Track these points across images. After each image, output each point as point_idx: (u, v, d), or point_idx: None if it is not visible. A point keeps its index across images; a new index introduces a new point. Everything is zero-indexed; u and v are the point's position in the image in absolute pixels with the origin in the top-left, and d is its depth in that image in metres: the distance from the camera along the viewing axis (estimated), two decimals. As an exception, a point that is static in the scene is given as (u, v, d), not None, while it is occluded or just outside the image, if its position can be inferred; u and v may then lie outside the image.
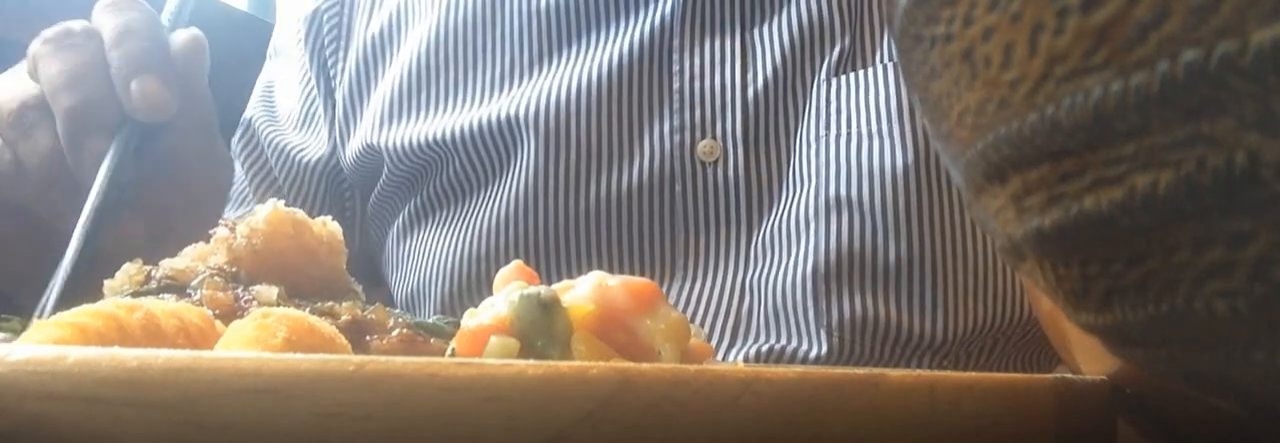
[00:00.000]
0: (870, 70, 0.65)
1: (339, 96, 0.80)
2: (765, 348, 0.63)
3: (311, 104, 0.82)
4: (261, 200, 0.76)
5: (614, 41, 0.69)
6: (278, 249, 0.41)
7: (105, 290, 0.41)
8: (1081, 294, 0.21)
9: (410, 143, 0.72)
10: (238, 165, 0.81)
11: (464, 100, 0.73)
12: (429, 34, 0.76)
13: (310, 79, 0.82)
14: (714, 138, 0.66)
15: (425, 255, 0.73)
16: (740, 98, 0.66)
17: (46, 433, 0.21)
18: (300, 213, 0.42)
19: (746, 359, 0.63)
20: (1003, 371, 0.66)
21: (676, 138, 0.67)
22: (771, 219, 0.65)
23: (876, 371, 0.25)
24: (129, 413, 0.21)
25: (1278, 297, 0.17)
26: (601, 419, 0.22)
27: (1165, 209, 0.18)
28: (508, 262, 0.66)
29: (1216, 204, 0.17)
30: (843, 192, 0.63)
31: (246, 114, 0.84)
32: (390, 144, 0.73)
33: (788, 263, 0.63)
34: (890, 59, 0.65)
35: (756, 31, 0.68)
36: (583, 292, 0.32)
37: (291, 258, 0.41)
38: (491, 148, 0.70)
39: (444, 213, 0.73)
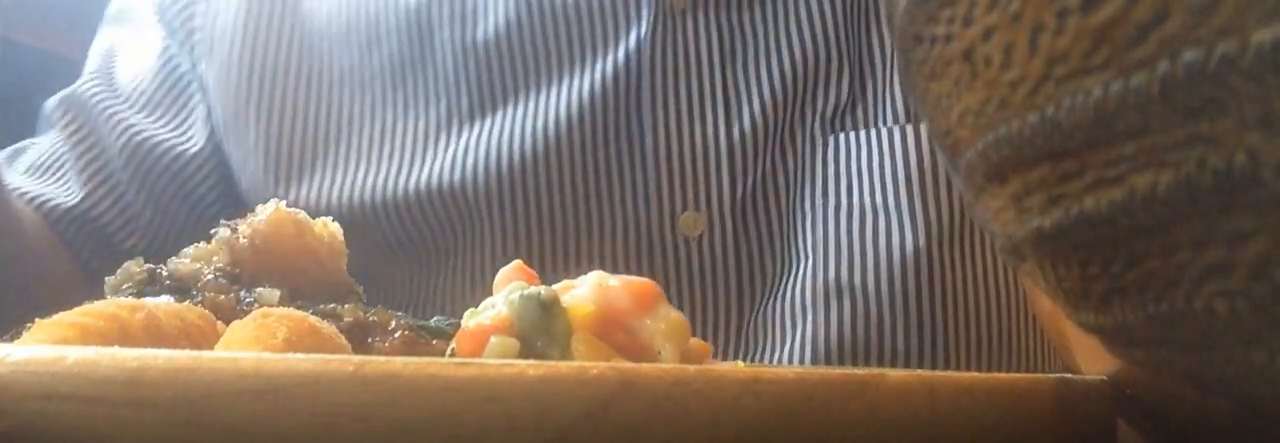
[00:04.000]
0: (874, 132, 0.57)
1: (214, 102, 0.66)
2: None
3: (179, 89, 0.68)
4: (86, 181, 0.64)
5: (572, 85, 0.58)
6: (279, 249, 0.41)
7: (106, 289, 0.41)
8: (1081, 294, 0.21)
9: (322, 202, 0.61)
10: (56, 132, 0.67)
11: (388, 159, 0.60)
12: (342, 73, 0.63)
13: (178, 61, 0.68)
14: (697, 209, 0.57)
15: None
16: (727, 158, 0.56)
17: (46, 433, 0.21)
18: (302, 213, 0.42)
19: None
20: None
21: (655, 209, 0.57)
22: (765, 301, 0.57)
23: (876, 371, 0.25)
24: (129, 413, 0.21)
25: (1278, 297, 0.17)
26: (601, 419, 0.22)
27: (1165, 209, 0.18)
28: None
29: (1216, 204, 0.17)
30: (845, 276, 0.55)
31: (78, 85, 0.69)
32: (295, 197, 0.62)
33: (782, 352, 0.56)
34: (896, 121, 0.56)
35: (738, 70, 0.58)
36: (583, 292, 0.32)
37: (293, 258, 0.41)
38: (425, 220, 0.58)
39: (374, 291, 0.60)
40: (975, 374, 0.25)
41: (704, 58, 0.58)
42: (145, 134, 0.66)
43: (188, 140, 0.66)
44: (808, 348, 0.55)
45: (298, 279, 0.41)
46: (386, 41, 0.62)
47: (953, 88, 0.21)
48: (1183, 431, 0.28)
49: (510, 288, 0.33)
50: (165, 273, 0.41)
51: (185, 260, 0.42)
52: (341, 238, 0.43)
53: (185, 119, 0.67)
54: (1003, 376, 0.25)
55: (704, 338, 0.55)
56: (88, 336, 0.29)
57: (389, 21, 0.63)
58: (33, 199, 0.64)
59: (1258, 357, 0.18)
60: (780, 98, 0.57)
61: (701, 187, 0.56)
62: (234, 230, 0.42)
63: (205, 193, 0.67)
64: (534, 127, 0.57)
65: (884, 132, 0.56)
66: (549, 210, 0.57)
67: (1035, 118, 0.19)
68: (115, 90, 0.68)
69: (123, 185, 0.66)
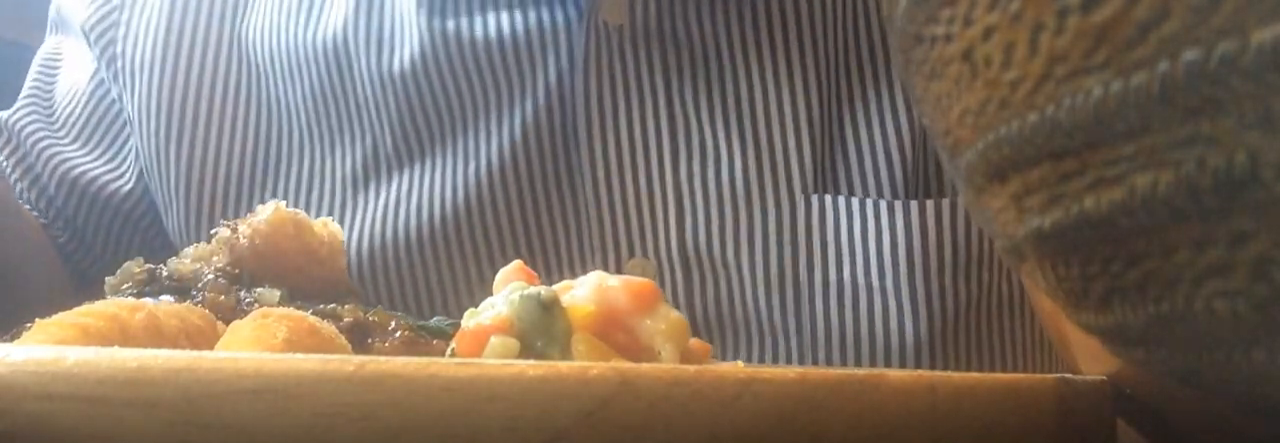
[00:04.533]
0: (868, 201, 0.50)
1: (137, 134, 0.59)
2: None
3: (109, 120, 0.62)
4: (34, 207, 0.60)
5: (501, 122, 0.51)
6: (280, 250, 0.41)
7: (106, 289, 0.41)
8: (1081, 294, 0.21)
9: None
10: (21, 193, 0.62)
11: (314, 208, 0.55)
12: (265, 107, 0.56)
13: (107, 87, 0.61)
14: (645, 254, 0.50)
15: None
16: (673, 197, 0.49)
17: (46, 433, 0.21)
18: (302, 213, 0.42)
19: None
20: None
21: (597, 256, 0.50)
22: None
23: (876, 371, 0.25)
24: (129, 413, 0.21)
25: (1278, 297, 0.17)
26: (601, 419, 0.22)
27: (1165, 209, 0.18)
28: None
29: (1216, 204, 0.17)
30: (835, 363, 0.49)
31: (14, 109, 0.63)
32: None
33: None
34: (890, 195, 0.49)
35: (687, 96, 0.50)
36: (582, 292, 0.32)
37: (293, 258, 0.41)
38: (366, 272, 0.52)
39: None
40: (975, 374, 0.25)
41: (645, 82, 0.51)
42: (80, 169, 0.61)
43: (121, 178, 0.61)
44: None
45: (298, 279, 0.41)
46: (307, 71, 0.56)
47: (953, 88, 0.21)
48: (1183, 431, 0.28)
49: (510, 288, 0.33)
50: (165, 273, 0.41)
51: (185, 260, 0.42)
52: (341, 238, 0.43)
53: (118, 152, 0.62)
54: (1003, 376, 0.25)
55: None
56: (88, 336, 0.29)
57: (310, 49, 0.57)
58: None
59: (1258, 357, 0.18)
60: (734, 126, 0.49)
61: (646, 230, 0.50)
62: (234, 230, 0.42)
63: (147, 227, 0.62)
64: (464, 172, 0.51)
65: (874, 203, 0.50)
66: (488, 263, 0.51)
67: (1035, 118, 0.19)
68: (51, 115, 0.63)
69: (69, 211, 0.62)
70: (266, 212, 0.41)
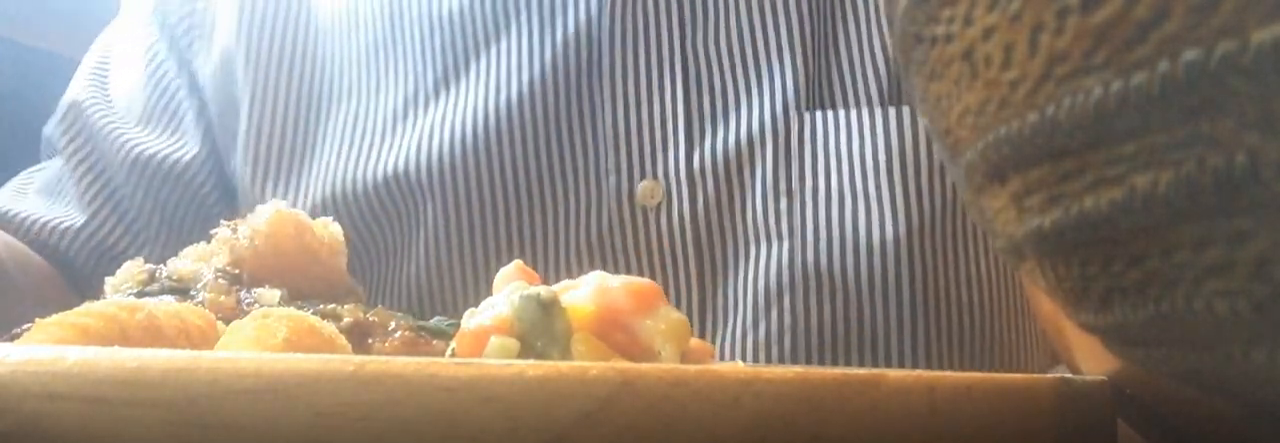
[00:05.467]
0: (851, 113, 0.56)
1: (209, 97, 0.67)
2: None
3: (168, 97, 0.68)
4: (89, 201, 0.66)
5: (530, 56, 0.58)
6: (280, 250, 0.41)
7: (107, 289, 0.41)
8: (1081, 294, 0.21)
9: (302, 197, 0.61)
10: (60, 156, 0.69)
11: (356, 146, 0.61)
12: (324, 61, 0.64)
13: (165, 67, 0.69)
14: (655, 178, 0.56)
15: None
16: (683, 128, 0.56)
17: (46, 433, 0.21)
18: (302, 213, 0.42)
19: None
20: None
21: (612, 180, 0.56)
22: (732, 278, 0.56)
23: (876, 371, 0.25)
24: (129, 413, 0.21)
25: (1278, 297, 0.17)
26: (601, 419, 0.22)
27: (1165, 209, 0.18)
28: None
29: (1216, 204, 0.17)
30: (823, 262, 0.54)
31: (71, 95, 0.70)
32: (276, 191, 0.62)
33: (755, 337, 0.55)
34: (874, 103, 0.56)
35: (698, 38, 0.58)
36: (583, 292, 0.33)
37: (293, 258, 0.41)
38: (394, 204, 0.59)
39: (367, 260, 0.61)
40: (975, 374, 0.25)
41: (664, 24, 0.57)
42: (144, 146, 0.67)
43: (183, 148, 0.67)
44: (786, 335, 0.54)
45: (298, 279, 0.41)
46: (364, 26, 0.63)
47: (953, 88, 0.21)
48: (1183, 431, 0.28)
49: (510, 288, 0.33)
50: (165, 273, 0.41)
51: (185, 261, 0.42)
52: (341, 238, 0.43)
53: (177, 127, 0.68)
54: (1003, 376, 0.25)
55: None
56: (87, 336, 0.29)
57: (369, 5, 0.64)
58: (39, 222, 0.66)
59: (1258, 357, 0.18)
60: (740, 68, 0.57)
61: (658, 155, 0.56)
62: (234, 230, 0.42)
63: (207, 193, 0.67)
64: (494, 100, 0.57)
65: (859, 113, 0.56)
66: (513, 183, 0.56)
67: (1035, 118, 0.19)
68: (111, 104, 0.69)
69: (126, 200, 0.67)
70: (266, 212, 0.41)
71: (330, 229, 0.43)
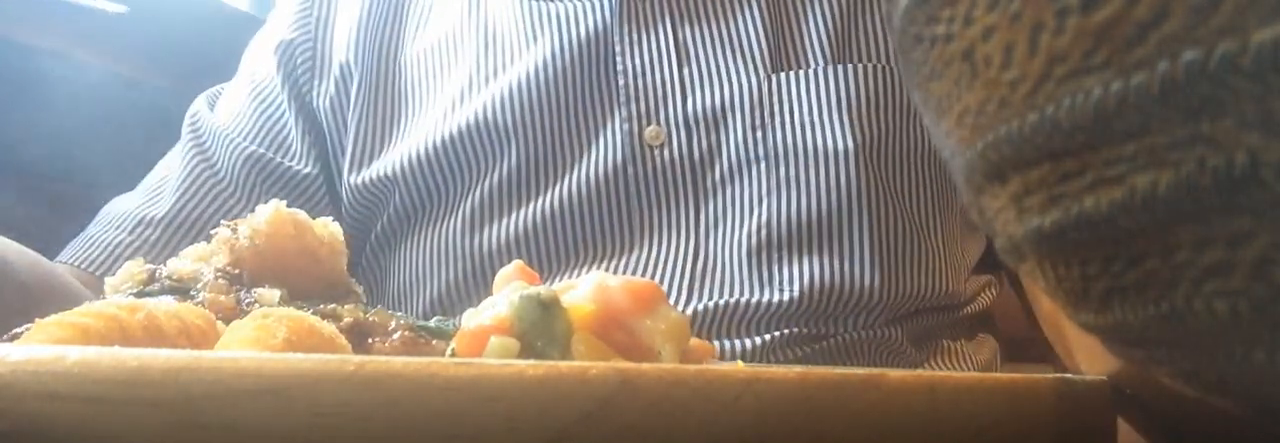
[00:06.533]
0: (807, 71, 0.75)
1: (326, 126, 0.83)
2: (726, 301, 0.69)
3: (273, 120, 0.83)
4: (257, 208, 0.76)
5: (561, 46, 0.77)
6: (279, 250, 0.41)
7: (107, 289, 0.41)
8: (1081, 294, 0.21)
9: (404, 159, 0.76)
10: (181, 167, 0.81)
11: (430, 115, 0.78)
12: (401, 57, 0.82)
13: (274, 98, 0.84)
14: (658, 124, 0.75)
15: (406, 263, 0.77)
16: (679, 88, 0.75)
17: (46, 433, 0.21)
18: (301, 214, 0.42)
19: (708, 311, 0.68)
20: (949, 340, 0.77)
21: (626, 127, 0.75)
22: (721, 194, 0.73)
23: (876, 371, 0.25)
24: (129, 413, 0.21)
25: (1278, 297, 0.17)
26: (601, 419, 0.22)
27: (1165, 209, 0.18)
28: (493, 256, 0.72)
29: (1216, 204, 0.17)
30: (791, 173, 0.72)
31: (193, 119, 0.84)
32: (389, 169, 0.77)
33: (740, 234, 0.71)
34: (826, 60, 0.75)
35: (690, 30, 0.77)
36: (583, 292, 0.32)
37: (293, 258, 0.41)
38: (467, 153, 0.76)
39: (423, 218, 0.77)
40: (975, 374, 0.25)
41: (658, 22, 0.77)
42: (257, 152, 0.81)
43: (296, 163, 0.81)
44: (762, 231, 0.71)
45: (298, 279, 0.41)
46: (435, 22, 0.83)
47: (953, 88, 0.21)
48: (1183, 431, 0.28)
49: (511, 288, 0.33)
50: (165, 273, 0.41)
51: (185, 261, 0.42)
52: (341, 238, 0.43)
53: (282, 144, 0.82)
54: (1003, 376, 0.25)
55: (670, 224, 0.73)
56: (88, 336, 0.29)
57: (444, 8, 0.83)
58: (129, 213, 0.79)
59: (1258, 357, 0.18)
60: (719, 46, 0.76)
61: (661, 108, 0.75)
62: (234, 231, 0.42)
63: (318, 201, 0.81)
64: (530, 74, 0.76)
65: (812, 71, 0.74)
66: (553, 131, 0.75)
67: (1035, 118, 0.19)
68: (222, 124, 0.83)
69: (245, 187, 0.80)
70: (266, 212, 0.41)
71: (330, 229, 0.43)
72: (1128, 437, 0.29)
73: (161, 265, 0.42)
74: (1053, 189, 0.20)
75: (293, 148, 0.83)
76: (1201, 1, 0.16)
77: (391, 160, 0.77)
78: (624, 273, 0.69)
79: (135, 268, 0.41)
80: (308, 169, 0.82)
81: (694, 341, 0.33)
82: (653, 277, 0.71)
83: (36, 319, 0.30)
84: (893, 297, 0.71)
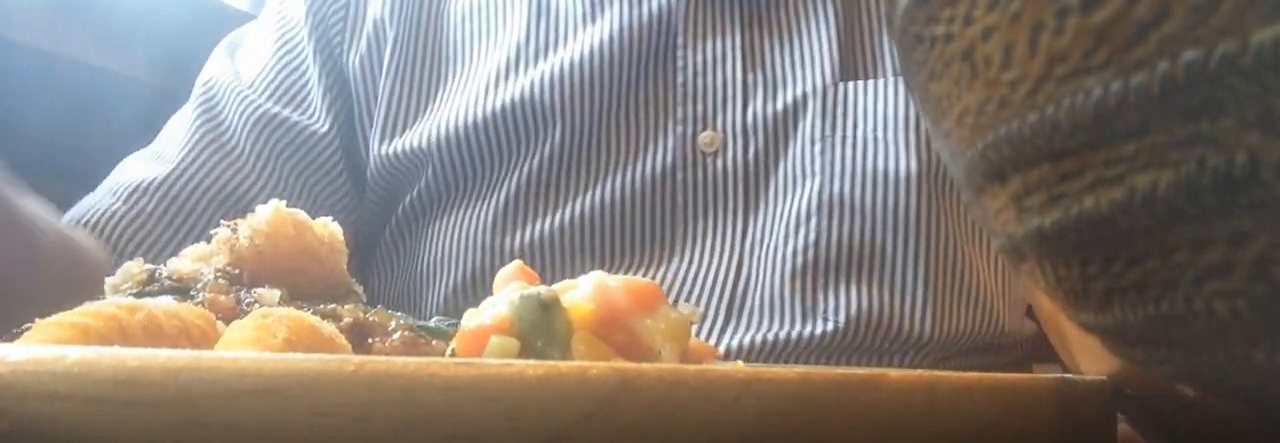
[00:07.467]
0: (878, 81, 0.69)
1: (355, 86, 0.77)
2: (763, 337, 0.65)
3: (295, 76, 0.77)
4: (270, 195, 0.73)
5: (623, 28, 0.71)
6: (279, 249, 0.41)
7: (106, 289, 0.41)
8: (1081, 294, 0.21)
9: (439, 132, 0.72)
10: (187, 128, 0.76)
11: (471, 88, 0.73)
12: (441, 16, 0.77)
13: (300, 53, 0.78)
14: (715, 130, 0.69)
15: (431, 246, 0.72)
16: (741, 93, 0.70)
17: (46, 433, 0.21)
18: (301, 213, 0.42)
19: (744, 348, 0.64)
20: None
21: (680, 129, 0.70)
22: (770, 209, 0.68)
23: (876, 371, 0.25)
24: (129, 413, 0.21)
25: (1278, 297, 0.17)
26: (601, 419, 0.22)
27: (1165, 209, 0.18)
28: (521, 254, 0.69)
29: (1216, 204, 0.17)
30: (846, 192, 0.66)
31: (203, 76, 0.79)
32: (422, 142, 0.72)
33: (785, 252, 0.66)
34: (898, 73, 0.69)
35: (759, 32, 0.72)
36: (583, 292, 0.32)
37: (293, 258, 0.41)
38: (507, 134, 0.71)
39: (452, 201, 0.72)
40: (975, 374, 0.25)
41: (729, 18, 0.71)
42: (272, 111, 0.75)
43: (312, 120, 0.76)
44: (810, 250, 0.66)
45: (298, 279, 0.41)
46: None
47: (953, 88, 0.21)
48: (1183, 431, 0.28)
49: (511, 288, 0.33)
50: (165, 273, 0.41)
51: (185, 261, 0.42)
52: (341, 237, 0.43)
53: (302, 103, 0.76)
54: (1003, 376, 0.25)
55: (715, 237, 0.68)
56: (87, 336, 0.29)
57: None
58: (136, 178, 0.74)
59: (1258, 357, 0.18)
60: (791, 55, 0.71)
61: (719, 114, 0.69)
62: (234, 230, 0.42)
63: (336, 164, 0.76)
64: (588, 62, 0.70)
65: (887, 81, 0.69)
66: (600, 127, 0.70)
67: (1035, 118, 0.19)
68: (238, 76, 0.78)
69: (253, 155, 0.75)
70: (266, 212, 0.41)
71: (330, 229, 0.43)
72: (1128, 437, 0.29)
73: (161, 265, 0.42)
74: (1053, 189, 0.20)
75: (311, 104, 0.76)
76: (1201, 1, 0.16)
77: (425, 132, 0.72)
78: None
79: (135, 268, 0.41)
80: (323, 128, 0.75)
81: (694, 341, 0.33)
82: (690, 295, 0.67)
83: (36, 319, 0.30)
84: (943, 333, 0.66)
